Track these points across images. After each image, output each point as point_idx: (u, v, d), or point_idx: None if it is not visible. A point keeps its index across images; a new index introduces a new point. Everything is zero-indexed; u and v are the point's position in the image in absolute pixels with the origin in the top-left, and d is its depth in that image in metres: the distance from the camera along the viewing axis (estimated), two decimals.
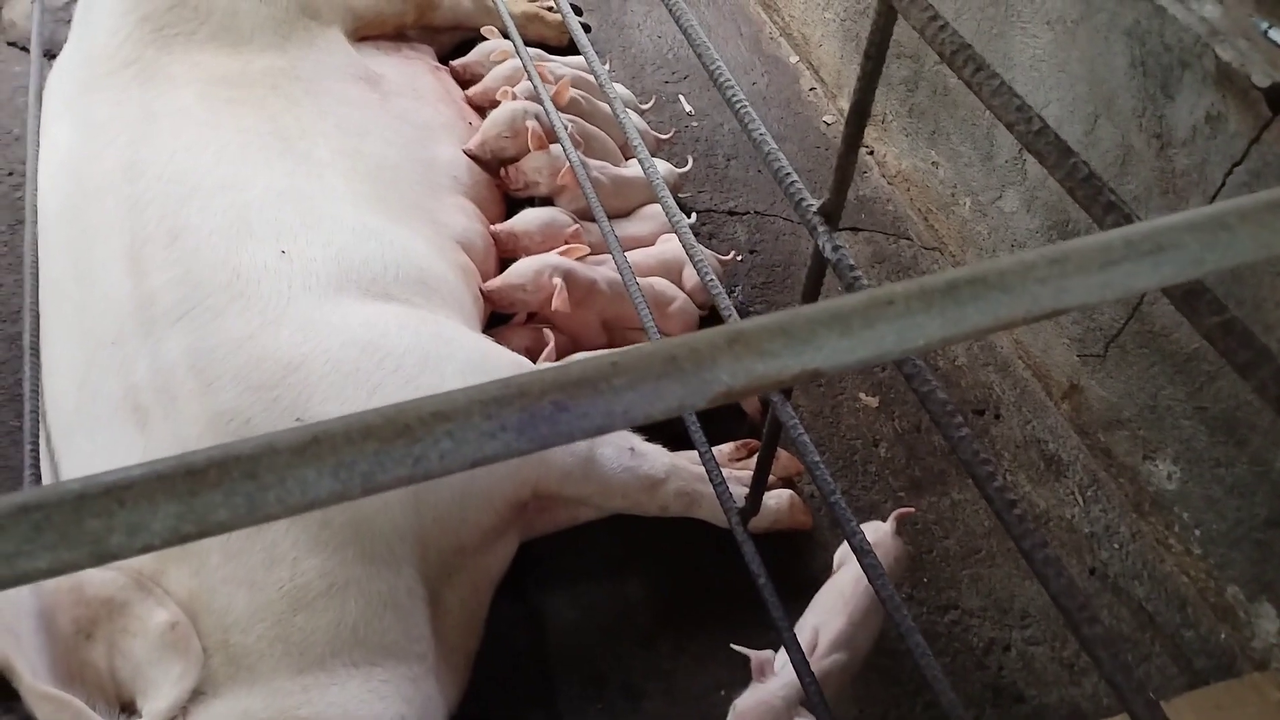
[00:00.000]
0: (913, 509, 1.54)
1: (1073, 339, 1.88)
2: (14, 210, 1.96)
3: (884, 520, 1.45)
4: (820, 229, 0.95)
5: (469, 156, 1.94)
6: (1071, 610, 0.71)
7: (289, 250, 1.41)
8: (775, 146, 1.02)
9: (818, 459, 1.09)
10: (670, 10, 1.05)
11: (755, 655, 1.29)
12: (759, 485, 1.28)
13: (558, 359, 1.72)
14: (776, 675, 1.27)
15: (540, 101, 1.82)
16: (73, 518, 0.28)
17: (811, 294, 1.08)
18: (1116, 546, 1.75)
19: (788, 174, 1.00)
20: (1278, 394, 0.50)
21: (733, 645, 1.33)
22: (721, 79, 1.07)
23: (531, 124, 1.91)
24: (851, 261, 0.93)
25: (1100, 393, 1.83)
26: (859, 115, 0.90)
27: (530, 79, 1.84)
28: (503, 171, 1.97)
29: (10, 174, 2.06)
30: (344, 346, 1.31)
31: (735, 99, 1.03)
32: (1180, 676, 1.58)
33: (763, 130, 1.03)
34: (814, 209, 0.96)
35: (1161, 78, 1.60)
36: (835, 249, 0.93)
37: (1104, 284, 0.38)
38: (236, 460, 0.30)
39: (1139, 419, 1.76)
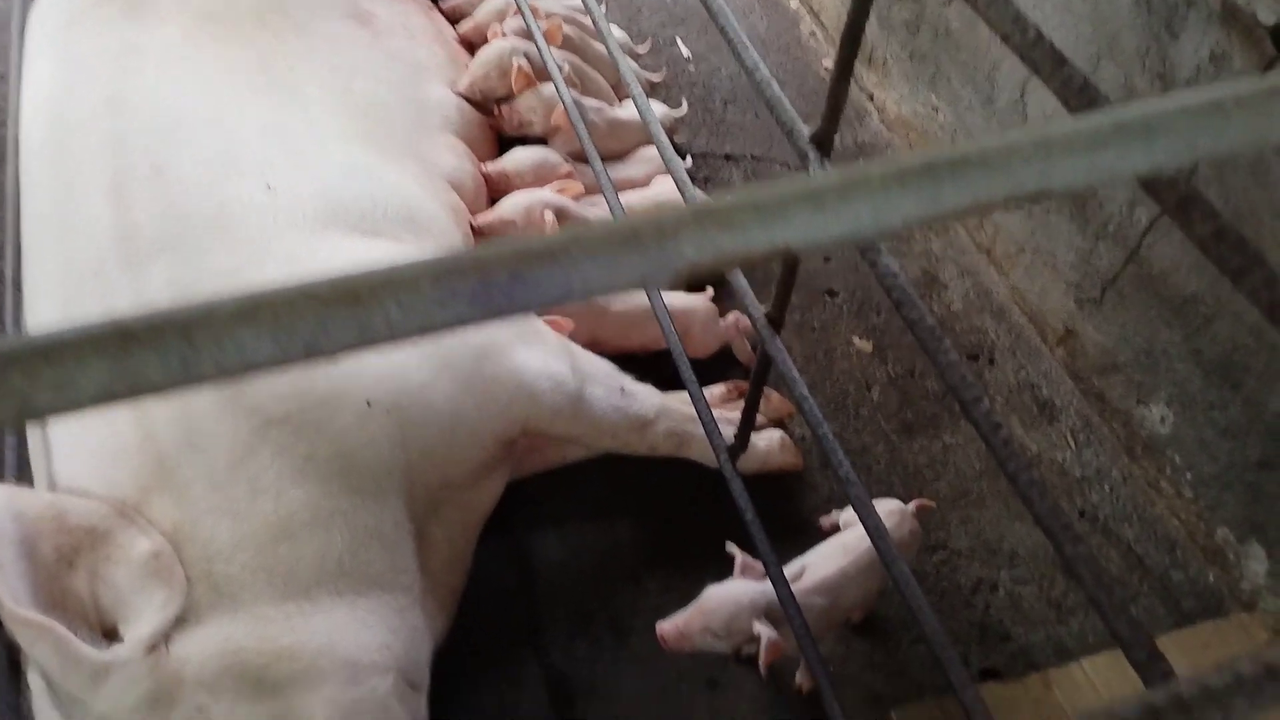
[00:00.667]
0: (933, 504, 1.50)
1: (1070, 283, 1.86)
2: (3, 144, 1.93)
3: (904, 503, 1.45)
4: (812, 156, 0.93)
5: (460, 97, 1.91)
6: (1055, 530, 0.70)
7: (275, 185, 1.39)
8: (768, 73, 0.99)
9: (806, 392, 1.08)
10: None
11: (743, 556, 1.30)
12: (748, 421, 1.28)
13: None
14: (755, 581, 1.28)
15: (532, 38, 1.79)
16: None
17: None
18: (1107, 489, 1.75)
19: (780, 99, 0.97)
20: (1269, 300, 0.49)
21: (727, 544, 1.34)
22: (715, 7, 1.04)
23: (520, 61, 1.87)
24: None
25: (1096, 337, 1.82)
26: (852, 38, 0.87)
27: (522, 13, 1.81)
28: (496, 110, 1.93)
29: None
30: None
31: (729, 29, 1.01)
32: (1168, 617, 1.59)
33: (750, 50, 1.00)
34: (806, 136, 0.94)
35: (1166, 15, 1.56)
36: None
37: (1091, 166, 0.36)
38: (172, 322, 0.28)
39: (1134, 363, 1.75)
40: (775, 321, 1.11)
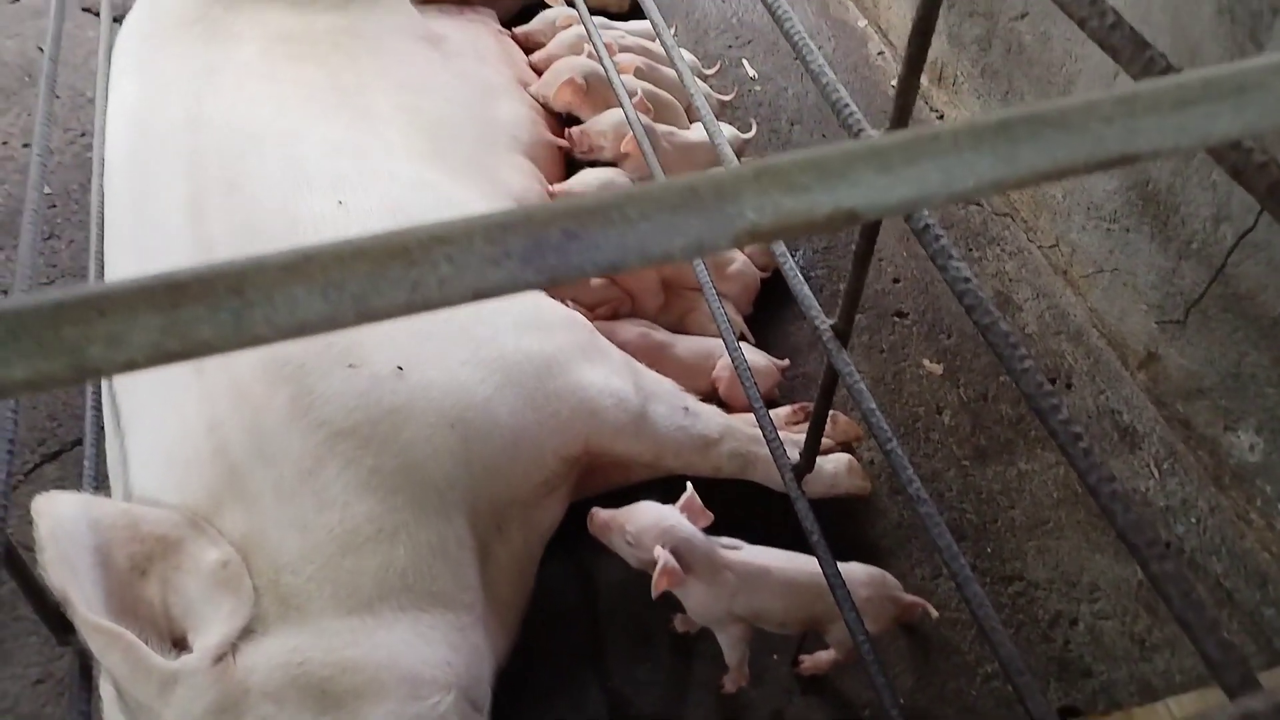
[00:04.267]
0: (935, 613, 1.44)
1: (1151, 305, 1.80)
2: (86, 170, 2.00)
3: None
4: None
5: (529, 117, 1.93)
6: (1140, 547, 0.66)
7: (345, 201, 1.41)
8: (832, 76, 0.98)
9: (874, 406, 1.05)
10: None
11: (692, 494, 1.35)
12: (814, 438, 1.25)
13: (613, 319, 1.70)
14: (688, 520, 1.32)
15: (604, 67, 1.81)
16: (50, 325, 0.27)
17: (869, 237, 1.03)
18: (1194, 521, 1.67)
19: (845, 104, 0.96)
20: None
21: (688, 482, 1.37)
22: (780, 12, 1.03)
23: (577, 78, 1.90)
24: (940, 233, 0.88)
25: (1179, 361, 1.75)
26: (923, 32, 0.85)
27: (593, 45, 1.82)
28: (567, 133, 1.95)
29: (83, 134, 2.11)
30: None
31: (792, 29, 1.00)
32: (1259, 655, 1.51)
33: (816, 56, 0.99)
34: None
35: (1250, 25, 1.51)
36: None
37: (1179, 127, 0.34)
38: (223, 276, 0.28)
39: (1220, 388, 1.67)
40: (842, 335, 1.09)
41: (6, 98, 2.14)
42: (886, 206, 0.33)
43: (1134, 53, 0.59)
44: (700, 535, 1.31)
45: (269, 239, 1.35)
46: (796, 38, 0.98)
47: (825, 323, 1.10)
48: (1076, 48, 1.90)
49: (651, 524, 1.28)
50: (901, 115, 0.90)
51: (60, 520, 1.10)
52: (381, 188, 1.46)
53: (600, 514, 1.35)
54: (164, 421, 1.25)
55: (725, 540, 1.36)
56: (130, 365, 0.28)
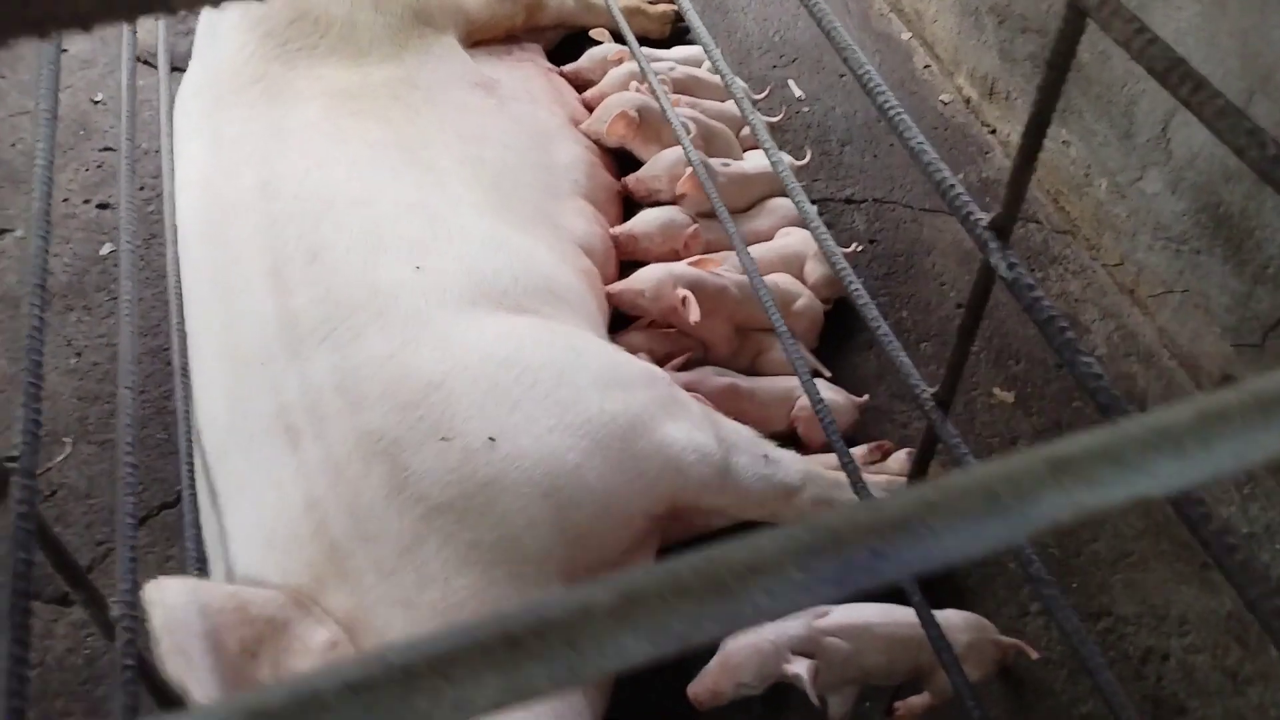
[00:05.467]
0: (1034, 654, 1.42)
1: (1226, 328, 1.77)
2: (147, 224, 2.01)
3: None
4: (992, 245, 0.90)
5: (587, 158, 1.93)
6: (1233, 571, 0.66)
7: (423, 265, 1.42)
8: (935, 155, 0.97)
9: (969, 457, 1.04)
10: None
11: None
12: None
13: (685, 367, 1.70)
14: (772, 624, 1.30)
15: (659, 102, 1.80)
16: (401, 697, 0.27)
17: (975, 311, 1.03)
18: (1278, 549, 1.66)
19: (951, 185, 0.95)
20: None
21: None
22: (867, 80, 1.02)
23: (630, 111, 1.90)
24: (1031, 281, 0.88)
25: None
26: (1038, 127, 0.85)
27: (648, 79, 1.82)
28: (623, 183, 1.96)
29: (141, 188, 2.12)
30: (482, 363, 1.32)
31: (886, 104, 0.99)
32: None
33: (921, 139, 0.98)
34: (984, 223, 0.92)
35: None
36: (1011, 266, 0.88)
37: None
38: (555, 628, 0.28)
39: None
40: (944, 404, 1.08)
41: (63, 153, 2.16)
42: (1177, 489, 0.33)
43: (1193, 90, 0.59)
44: (793, 627, 1.30)
45: (351, 309, 1.35)
46: (889, 109, 0.97)
47: (926, 390, 1.09)
48: (1138, 68, 1.87)
49: (759, 657, 1.28)
50: (1013, 203, 0.90)
51: (172, 609, 1.12)
52: (455, 249, 1.47)
53: (702, 688, 1.31)
54: (262, 498, 1.26)
55: (814, 610, 1.35)
56: None
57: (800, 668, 1.25)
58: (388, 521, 1.20)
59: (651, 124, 1.99)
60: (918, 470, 1.21)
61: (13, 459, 0.76)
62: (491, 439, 1.26)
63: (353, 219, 1.47)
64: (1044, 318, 0.84)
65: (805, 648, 1.29)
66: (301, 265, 1.41)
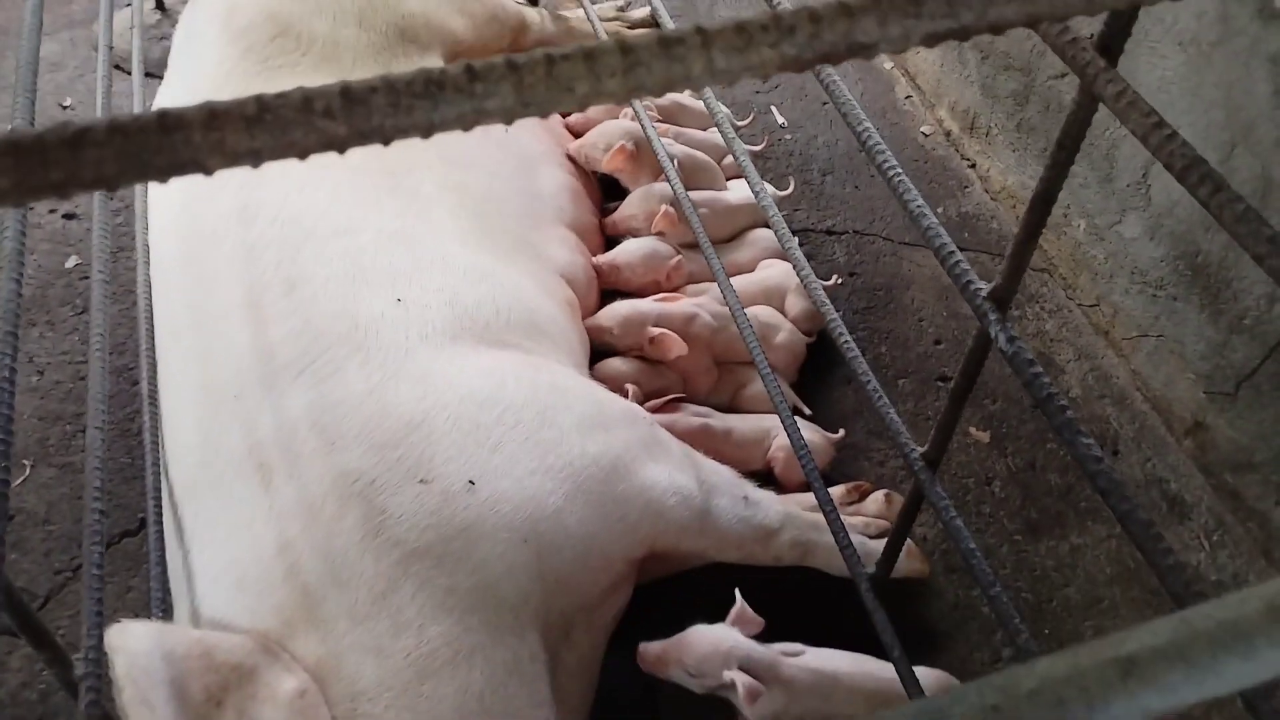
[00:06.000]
0: None
1: (1199, 375, 1.79)
2: (115, 237, 1.96)
3: None
4: (992, 317, 0.89)
5: (569, 184, 1.91)
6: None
7: (404, 298, 1.39)
8: (937, 223, 0.96)
9: (973, 546, 1.04)
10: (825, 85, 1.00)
11: (742, 605, 1.34)
12: (892, 554, 1.24)
13: (666, 395, 1.69)
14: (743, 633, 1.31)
15: (646, 133, 1.79)
16: None
17: (969, 378, 1.02)
18: None
19: (951, 252, 0.94)
20: None
21: (736, 590, 1.35)
22: (872, 146, 1.02)
23: (628, 145, 1.89)
24: (1030, 355, 0.87)
25: (1229, 433, 1.75)
26: (1044, 203, 0.84)
27: (635, 113, 1.80)
28: (600, 220, 1.95)
29: (110, 198, 2.06)
30: (463, 401, 1.29)
31: (889, 168, 0.98)
32: None
33: (920, 203, 0.97)
34: (984, 293, 0.91)
35: None
36: (1011, 340, 0.87)
37: None
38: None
39: (1272, 463, 1.67)
40: (933, 463, 1.07)
41: None
42: (1242, 688, 0.31)
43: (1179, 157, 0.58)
44: (759, 648, 1.31)
45: (330, 342, 1.32)
46: (892, 175, 0.96)
47: (915, 450, 1.09)
48: None
49: (710, 650, 1.28)
50: (1013, 275, 0.89)
51: (135, 656, 1.08)
52: (437, 280, 1.44)
53: (651, 649, 1.33)
54: (232, 537, 1.22)
55: (786, 646, 1.35)
56: None
57: (740, 679, 1.24)
58: (363, 566, 1.17)
59: (646, 155, 1.97)
60: (902, 525, 1.20)
61: None
62: (472, 482, 1.23)
63: (333, 248, 1.43)
64: (1043, 395, 0.83)
65: (761, 671, 1.28)
66: (279, 295, 1.37)
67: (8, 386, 0.86)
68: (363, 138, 0.30)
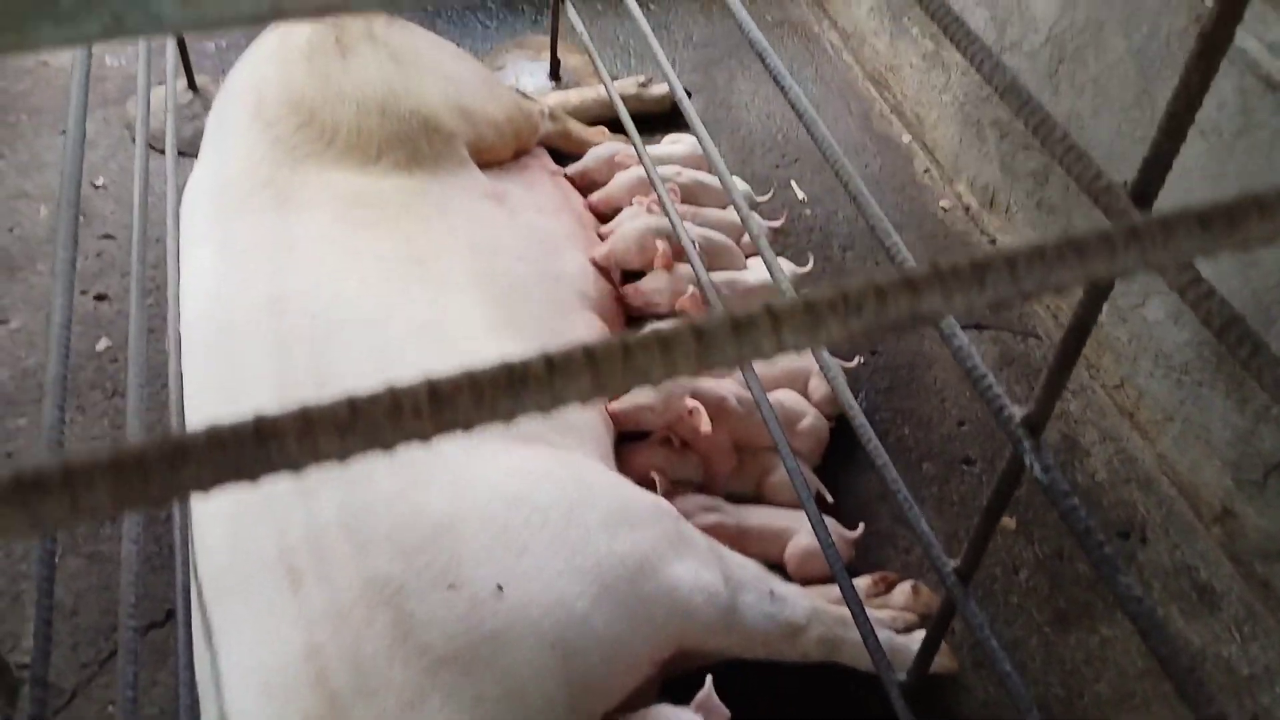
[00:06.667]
0: None
1: (1226, 462, 1.78)
2: (146, 316, 1.97)
3: None
4: (1026, 444, 0.90)
5: (594, 265, 1.93)
6: None
7: None
8: (967, 342, 0.97)
9: (1009, 669, 1.03)
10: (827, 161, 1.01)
11: (709, 692, 1.32)
12: (925, 660, 1.23)
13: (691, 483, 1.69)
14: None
15: (669, 218, 1.81)
16: None
17: (1003, 498, 1.02)
18: (1279, 691, 1.65)
19: (982, 375, 0.95)
20: None
21: (709, 676, 1.34)
22: (888, 242, 1.02)
23: (662, 245, 1.89)
24: (1066, 486, 0.87)
25: (1258, 522, 1.73)
26: (1079, 335, 0.85)
27: (657, 191, 1.82)
28: (620, 290, 1.96)
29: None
30: (491, 502, 1.30)
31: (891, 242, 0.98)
32: None
33: (951, 323, 0.98)
34: (1017, 420, 0.91)
35: None
36: (1046, 470, 0.87)
37: None
38: None
39: None
40: (965, 577, 1.07)
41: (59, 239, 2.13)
42: None
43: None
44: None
45: None
46: (892, 246, 0.97)
47: (948, 565, 1.08)
48: None
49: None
50: (1047, 401, 0.89)
51: None
52: None
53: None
54: (260, 641, 1.23)
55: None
56: None
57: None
58: (391, 674, 1.17)
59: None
60: (935, 633, 1.19)
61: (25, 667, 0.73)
62: (500, 587, 1.23)
63: (362, 342, 1.45)
64: (1081, 529, 0.83)
65: None
66: (310, 391, 1.38)
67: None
68: (447, 430, 0.31)
